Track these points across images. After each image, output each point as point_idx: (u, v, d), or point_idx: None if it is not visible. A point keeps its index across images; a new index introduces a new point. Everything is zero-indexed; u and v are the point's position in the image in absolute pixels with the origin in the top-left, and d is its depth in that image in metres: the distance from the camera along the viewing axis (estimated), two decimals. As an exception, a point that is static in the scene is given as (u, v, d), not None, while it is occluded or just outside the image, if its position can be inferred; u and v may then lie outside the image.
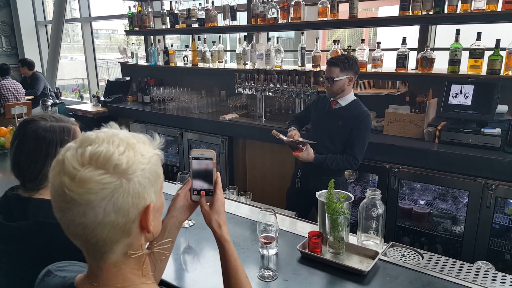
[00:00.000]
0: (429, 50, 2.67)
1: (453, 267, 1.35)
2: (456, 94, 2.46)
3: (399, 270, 1.35)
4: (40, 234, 1.08)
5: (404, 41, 2.75)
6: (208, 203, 1.01)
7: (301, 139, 2.33)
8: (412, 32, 3.14)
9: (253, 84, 3.32)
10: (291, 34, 7.69)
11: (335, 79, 2.23)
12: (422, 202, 2.73)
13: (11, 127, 2.97)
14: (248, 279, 0.98)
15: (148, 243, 0.79)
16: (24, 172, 1.19)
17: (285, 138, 2.28)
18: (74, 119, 1.37)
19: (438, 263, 1.38)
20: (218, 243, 1.00)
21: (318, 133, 2.38)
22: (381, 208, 1.47)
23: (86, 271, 0.74)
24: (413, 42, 3.02)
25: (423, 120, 2.63)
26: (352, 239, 1.55)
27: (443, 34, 3.05)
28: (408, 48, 2.78)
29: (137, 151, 0.69)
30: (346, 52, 3.02)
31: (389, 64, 3.02)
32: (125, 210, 0.66)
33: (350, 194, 1.56)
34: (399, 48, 2.79)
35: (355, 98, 2.34)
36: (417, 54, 2.80)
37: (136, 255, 0.72)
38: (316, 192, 1.60)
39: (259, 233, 1.37)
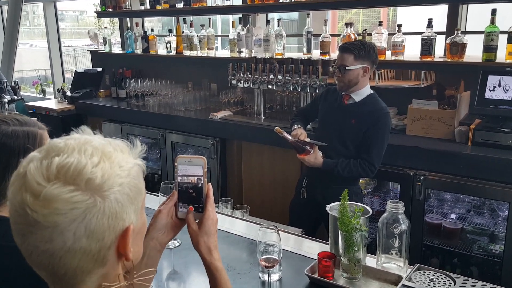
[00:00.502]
0: (459, 34, 2.68)
1: (492, 295, 1.35)
2: (494, 87, 2.47)
3: (427, 298, 1.34)
4: None
5: (430, 24, 2.76)
6: (197, 221, 0.99)
7: (308, 140, 2.32)
8: (439, 13, 3.15)
9: (249, 76, 3.32)
10: (294, 15, 7.72)
11: (347, 68, 2.21)
12: (453, 216, 2.72)
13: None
14: None
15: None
16: None
17: (290, 137, 2.25)
18: (35, 118, 1.35)
19: (474, 289, 1.38)
20: (207, 271, 0.98)
21: (326, 133, 2.37)
22: (404, 224, 1.47)
23: None
24: (440, 24, 3.03)
25: (454, 117, 2.64)
26: (371, 261, 1.55)
27: (476, 15, 3.06)
28: (435, 32, 2.79)
29: (114, 162, 0.68)
30: (360, 37, 3.02)
31: (412, 51, 3.02)
32: (99, 234, 0.64)
33: (367, 207, 1.56)
34: (424, 32, 2.80)
35: (372, 92, 2.32)
36: (446, 39, 2.81)
37: (114, 287, 0.71)
38: (327, 205, 1.60)
39: (259, 254, 1.37)
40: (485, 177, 2.38)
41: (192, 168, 0.99)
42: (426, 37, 2.77)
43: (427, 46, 2.76)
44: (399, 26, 2.90)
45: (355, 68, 2.21)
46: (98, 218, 0.63)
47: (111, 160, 0.67)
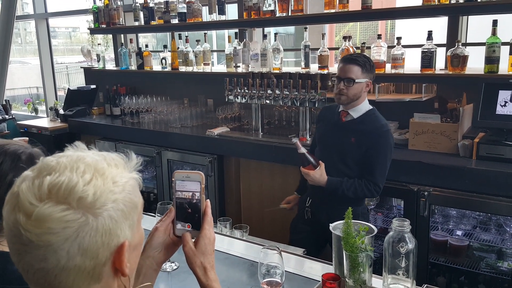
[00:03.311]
0: (460, 46, 2.70)
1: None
2: (505, 102, 2.46)
3: (438, 321, 1.31)
4: None
5: (430, 36, 2.78)
6: (194, 239, 0.98)
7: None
8: (438, 25, 3.18)
9: (246, 91, 3.33)
10: (290, 29, 7.79)
11: (356, 81, 2.16)
12: (459, 233, 2.70)
13: None
14: None
15: None
16: None
17: (303, 148, 2.19)
18: (27, 138, 1.34)
19: (485, 311, 1.35)
20: None
21: (327, 153, 2.30)
22: (411, 243, 1.44)
23: None
24: (440, 36, 3.05)
25: (457, 131, 2.64)
26: (377, 282, 1.52)
27: (477, 27, 3.09)
28: (435, 44, 2.81)
29: (107, 178, 0.69)
30: (360, 51, 3.04)
31: (411, 64, 3.04)
32: (93, 251, 0.65)
33: (372, 226, 1.54)
34: (424, 45, 2.81)
35: (371, 107, 2.29)
36: (446, 51, 2.83)
37: None
38: (330, 224, 1.58)
39: (260, 277, 1.34)
40: (491, 192, 2.37)
41: (189, 184, 0.99)
42: (426, 50, 2.79)
43: (428, 58, 2.77)
44: (399, 39, 2.92)
45: (362, 81, 2.18)
46: (91, 236, 0.65)
47: (104, 176, 0.68)
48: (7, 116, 4.39)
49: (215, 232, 1.90)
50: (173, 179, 0.99)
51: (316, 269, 1.64)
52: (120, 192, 0.69)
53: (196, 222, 0.99)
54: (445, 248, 2.65)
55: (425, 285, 1.50)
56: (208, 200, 1.01)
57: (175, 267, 1.67)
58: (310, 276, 1.59)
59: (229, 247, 1.84)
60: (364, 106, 2.26)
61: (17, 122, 4.81)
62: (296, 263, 1.71)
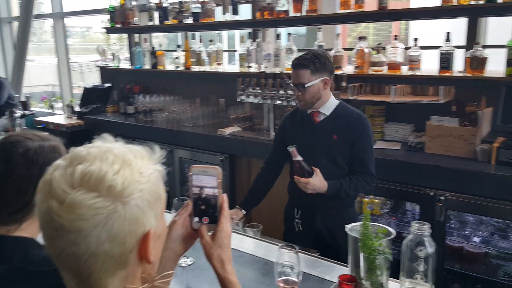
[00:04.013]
0: (480, 48, 2.63)
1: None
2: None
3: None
4: (17, 284, 1.08)
5: (448, 37, 2.71)
6: (211, 233, 0.99)
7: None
8: (455, 26, 3.11)
9: (259, 91, 3.30)
10: (301, 30, 7.73)
11: (306, 85, 2.06)
12: (476, 239, 2.63)
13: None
14: None
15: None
16: (9, 204, 1.19)
17: (299, 156, 2.04)
18: (47, 133, 1.38)
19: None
20: (221, 285, 0.98)
21: (312, 158, 2.13)
22: (431, 247, 1.40)
23: None
24: (458, 38, 2.98)
25: (475, 135, 2.57)
26: (394, 285, 1.48)
27: (497, 28, 3.01)
28: (454, 46, 2.74)
29: (134, 168, 0.71)
30: (375, 52, 2.98)
31: (428, 65, 2.97)
32: (121, 238, 0.68)
33: (390, 229, 1.49)
34: (441, 46, 2.75)
35: (338, 101, 2.20)
36: (465, 53, 2.76)
37: None
38: (346, 226, 1.53)
39: (276, 276, 1.31)
40: (510, 198, 2.30)
41: (206, 178, 0.99)
42: (444, 51, 2.72)
43: (446, 60, 2.70)
44: (416, 40, 2.86)
45: (314, 83, 2.07)
46: (119, 223, 0.68)
47: (131, 167, 0.71)
48: (27, 112, 4.45)
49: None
50: (190, 173, 0.99)
51: (331, 271, 1.61)
52: (146, 183, 0.72)
53: (212, 216, 0.99)
54: (461, 254, 2.58)
55: (445, 291, 1.44)
56: (224, 194, 1.00)
57: (190, 263, 1.68)
58: (325, 277, 1.57)
59: (242, 245, 1.83)
60: (332, 102, 2.18)
61: (35, 118, 4.86)
62: (310, 264, 1.68)
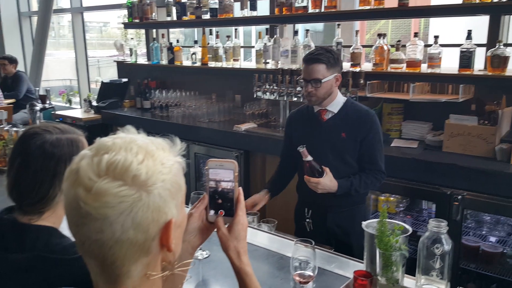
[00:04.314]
0: (501, 47, 2.60)
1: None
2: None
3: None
4: (39, 271, 1.12)
5: (469, 35, 2.69)
6: (227, 225, 1.01)
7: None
8: (476, 24, 3.08)
9: (275, 87, 3.32)
10: (319, 27, 7.72)
11: (322, 81, 2.04)
12: (492, 239, 2.63)
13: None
14: None
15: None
16: (27, 196, 1.22)
17: (310, 156, 2.00)
18: (69, 126, 1.40)
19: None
20: (237, 276, 1.00)
21: (321, 157, 2.09)
22: (447, 245, 1.41)
23: None
24: (479, 36, 2.95)
25: (494, 134, 2.55)
26: (409, 282, 1.48)
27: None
28: (475, 44, 2.72)
29: (156, 159, 0.73)
30: (394, 49, 2.98)
31: (447, 63, 2.95)
32: (144, 226, 0.70)
33: (407, 226, 1.50)
34: (462, 44, 2.73)
35: (345, 98, 2.18)
36: (486, 52, 2.73)
37: (156, 276, 0.76)
38: (362, 222, 1.55)
39: (292, 270, 1.33)
40: (528, 198, 2.29)
41: (223, 172, 1.01)
42: (465, 49, 2.70)
43: (466, 58, 2.69)
44: (436, 37, 2.84)
45: (329, 78, 2.06)
46: (143, 211, 0.70)
47: (154, 158, 0.73)
48: (47, 105, 4.53)
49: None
50: (206, 167, 1.01)
51: (346, 266, 1.63)
52: (168, 173, 0.73)
53: (228, 209, 1.01)
54: (477, 254, 2.58)
55: (460, 288, 1.45)
56: (240, 188, 1.02)
57: (206, 255, 1.70)
58: (340, 273, 1.58)
59: (257, 239, 1.85)
60: (340, 99, 2.16)
61: (52, 112, 4.96)
62: (326, 259, 1.69)
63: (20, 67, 6.36)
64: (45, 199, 1.22)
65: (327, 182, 2.00)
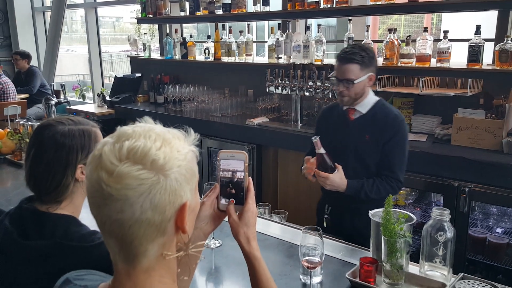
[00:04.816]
0: (509, 41, 2.66)
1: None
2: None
3: (473, 307, 1.36)
4: (57, 258, 1.18)
5: (478, 30, 2.76)
6: (238, 213, 1.08)
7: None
8: (487, 19, 3.13)
9: (287, 82, 3.40)
10: (332, 22, 7.77)
11: (355, 82, 2.01)
12: (499, 231, 2.69)
13: (8, 130, 3.18)
14: None
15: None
16: (42, 185, 1.30)
17: (323, 149, 1.98)
18: (84, 118, 1.47)
19: (521, 300, 1.39)
20: (247, 260, 1.06)
21: (341, 156, 2.09)
22: (450, 232, 1.49)
23: (110, 280, 0.84)
24: (489, 31, 3.01)
25: (502, 127, 2.61)
26: (413, 269, 1.57)
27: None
28: (483, 39, 2.78)
29: (173, 146, 0.79)
30: (405, 44, 3.05)
31: (457, 58, 3.02)
32: (162, 207, 0.76)
33: (411, 215, 1.59)
34: (471, 39, 2.79)
35: (378, 99, 2.13)
36: (494, 46, 2.80)
37: (172, 256, 0.82)
38: (369, 211, 1.64)
39: (301, 256, 1.42)
40: (535, 191, 2.36)
41: (234, 163, 1.07)
42: (473, 44, 2.77)
43: (475, 53, 2.75)
44: (445, 32, 2.91)
45: (363, 79, 2.02)
46: (161, 194, 0.75)
47: (171, 145, 0.79)
48: (62, 99, 4.65)
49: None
50: (218, 158, 1.08)
51: (354, 254, 1.70)
52: (183, 160, 0.79)
53: (239, 197, 1.07)
54: (484, 245, 2.64)
55: (461, 274, 1.54)
56: (250, 177, 1.09)
57: (218, 244, 1.79)
58: (348, 261, 1.66)
59: (268, 229, 1.93)
60: (371, 99, 2.11)
61: (67, 107, 5.10)
62: (334, 247, 1.77)
63: (34, 62, 6.51)
64: (59, 188, 1.28)
65: (336, 179, 1.98)
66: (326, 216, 2.23)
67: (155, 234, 0.77)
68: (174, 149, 0.79)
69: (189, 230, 0.83)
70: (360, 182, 2.02)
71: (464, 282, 1.51)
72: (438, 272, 1.53)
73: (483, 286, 1.49)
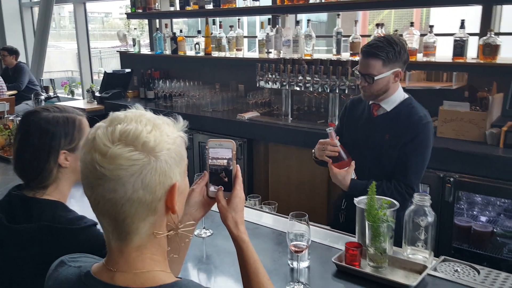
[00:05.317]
0: (493, 35, 2.76)
1: (515, 285, 1.45)
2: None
3: (451, 286, 1.46)
4: (44, 240, 1.24)
5: (462, 25, 2.85)
6: (226, 199, 1.14)
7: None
8: (473, 14, 3.23)
9: (277, 77, 3.46)
10: (323, 17, 7.85)
11: (376, 78, 1.89)
12: (483, 219, 2.79)
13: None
14: (270, 282, 1.10)
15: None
16: (27, 171, 1.36)
17: (338, 142, 1.95)
18: (71, 106, 1.52)
19: (497, 279, 1.49)
20: (235, 244, 1.12)
21: (358, 152, 2.02)
22: (431, 217, 1.58)
23: (104, 259, 0.89)
24: (474, 25, 3.11)
25: (485, 119, 2.71)
26: (397, 253, 1.65)
27: (510, 16, 3.13)
28: (468, 33, 2.88)
29: (163, 131, 0.84)
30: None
31: (444, 52, 3.11)
32: (152, 187, 0.81)
33: (394, 201, 1.67)
34: (456, 33, 2.89)
35: (407, 97, 2.01)
36: (479, 40, 2.89)
37: (162, 235, 0.87)
38: (355, 198, 1.71)
39: (288, 241, 1.50)
40: (517, 180, 2.45)
41: (222, 151, 1.12)
42: (458, 38, 2.86)
43: (460, 47, 2.85)
44: (431, 27, 3.00)
45: (385, 75, 1.90)
46: (151, 174, 0.81)
47: (161, 130, 0.84)
48: (52, 94, 4.66)
49: (246, 206, 2.08)
50: (207, 147, 1.14)
51: (340, 240, 1.77)
52: (172, 144, 0.84)
53: (227, 184, 1.12)
54: (469, 234, 2.74)
55: (443, 257, 1.64)
56: (238, 165, 1.15)
57: (209, 234, 1.86)
58: (335, 246, 1.73)
59: (259, 219, 2.00)
60: (397, 96, 1.99)
61: (55, 103, 5.11)
62: (321, 235, 1.85)
63: (22, 58, 6.49)
64: (43, 173, 1.33)
65: (343, 173, 1.94)
66: (342, 210, 2.16)
67: (146, 213, 0.82)
68: (164, 133, 0.84)
69: (178, 210, 0.88)
70: (365, 184, 1.87)
71: (445, 264, 1.61)
72: (420, 255, 1.61)
73: (463, 268, 1.59)
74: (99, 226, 1.07)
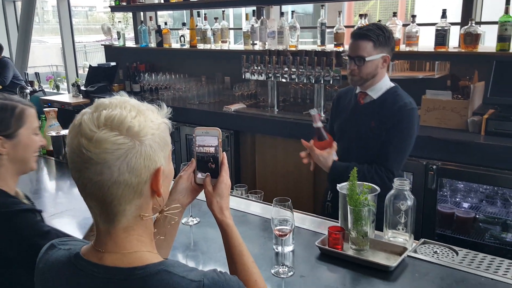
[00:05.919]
0: (474, 25, 2.82)
1: (491, 264, 1.51)
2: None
3: (430, 266, 1.51)
4: None
5: (444, 14, 2.91)
6: (213, 185, 1.18)
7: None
8: (456, 4, 3.29)
9: (263, 68, 3.49)
10: (309, 9, 7.90)
11: (367, 59, 1.93)
12: (466, 205, 2.87)
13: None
14: (255, 264, 1.14)
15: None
16: None
17: (320, 122, 1.99)
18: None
19: (474, 259, 1.54)
20: (220, 228, 1.16)
21: (346, 141, 2.09)
22: (410, 200, 1.63)
23: (92, 241, 0.93)
24: (456, 15, 3.17)
25: (467, 107, 2.78)
26: (378, 237, 1.71)
27: (491, 5, 3.20)
28: (450, 23, 2.93)
29: (147, 117, 0.88)
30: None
31: (426, 42, 3.17)
32: (137, 170, 0.85)
33: (376, 186, 1.72)
34: (437, 23, 2.94)
35: (393, 85, 2.06)
36: (460, 30, 2.96)
37: (149, 217, 0.91)
38: (338, 184, 1.76)
39: (273, 226, 1.54)
40: (497, 166, 2.52)
41: (208, 139, 1.16)
42: (440, 28, 2.92)
43: (441, 36, 2.91)
44: (413, 16, 3.05)
45: (375, 58, 1.95)
46: (136, 158, 0.84)
47: (145, 115, 0.88)
48: (37, 88, 4.63)
49: (233, 195, 2.12)
50: (194, 135, 1.17)
51: (324, 225, 1.82)
52: (156, 129, 0.88)
53: (214, 171, 1.16)
54: (452, 220, 2.82)
55: (423, 239, 1.69)
56: (224, 152, 1.19)
57: (196, 222, 1.90)
58: (319, 231, 1.78)
59: (246, 207, 2.05)
60: (383, 84, 2.03)
61: (41, 98, 5.09)
62: (305, 220, 1.90)
63: (6, 53, 6.43)
64: None
65: (321, 158, 1.98)
66: (328, 202, 2.23)
67: (132, 195, 0.86)
68: (148, 119, 0.87)
69: (164, 194, 0.92)
70: (346, 166, 1.94)
71: (425, 246, 1.67)
72: (401, 238, 1.67)
73: (442, 249, 1.65)
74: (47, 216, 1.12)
